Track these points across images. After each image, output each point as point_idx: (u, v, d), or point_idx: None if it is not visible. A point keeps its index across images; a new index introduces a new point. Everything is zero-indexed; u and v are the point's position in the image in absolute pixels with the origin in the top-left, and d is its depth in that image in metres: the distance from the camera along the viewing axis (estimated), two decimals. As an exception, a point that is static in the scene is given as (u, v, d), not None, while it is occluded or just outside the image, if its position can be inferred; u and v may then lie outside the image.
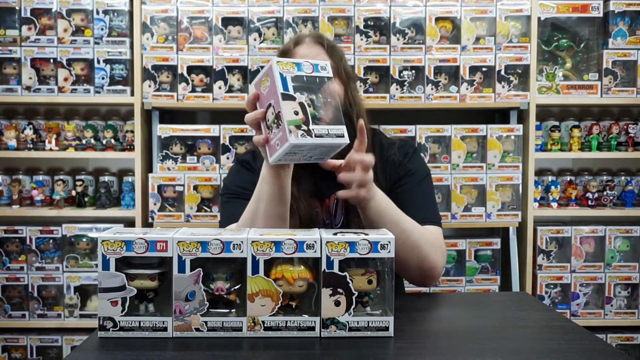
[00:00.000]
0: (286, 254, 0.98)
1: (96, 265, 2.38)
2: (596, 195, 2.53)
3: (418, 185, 1.44)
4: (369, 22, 2.39)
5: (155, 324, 0.98)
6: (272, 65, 1.04)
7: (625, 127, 2.54)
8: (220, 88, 2.38)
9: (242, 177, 1.46)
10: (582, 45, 2.54)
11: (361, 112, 1.44)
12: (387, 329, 1.00)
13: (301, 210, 1.38)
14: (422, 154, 1.69)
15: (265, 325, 0.99)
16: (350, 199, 1.20)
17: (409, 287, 2.01)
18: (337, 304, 0.99)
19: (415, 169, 1.46)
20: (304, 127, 1.02)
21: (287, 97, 1.03)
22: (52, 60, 2.41)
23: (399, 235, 1.17)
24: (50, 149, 2.43)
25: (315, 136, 1.02)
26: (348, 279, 0.98)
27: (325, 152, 1.09)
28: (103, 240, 0.97)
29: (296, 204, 1.36)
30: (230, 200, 1.42)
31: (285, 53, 1.45)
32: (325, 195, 1.44)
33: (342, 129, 1.05)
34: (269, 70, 1.05)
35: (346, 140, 1.05)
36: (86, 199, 2.50)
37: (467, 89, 2.40)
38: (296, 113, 1.02)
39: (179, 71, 2.37)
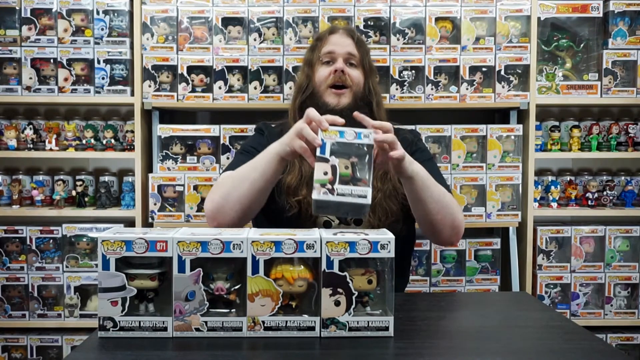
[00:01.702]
0: (286, 254, 0.98)
1: (96, 265, 2.39)
2: (596, 195, 2.53)
3: (429, 161, 1.60)
4: (369, 22, 2.39)
5: (155, 324, 0.98)
6: (319, 130, 1.17)
7: (625, 127, 2.54)
8: (220, 88, 2.38)
9: (256, 139, 1.66)
10: (582, 45, 2.54)
11: (380, 101, 1.63)
12: (387, 328, 1.00)
13: (304, 168, 1.50)
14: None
15: (265, 325, 0.99)
16: (393, 163, 1.26)
17: (409, 287, 2.02)
18: (337, 303, 0.99)
19: (423, 150, 1.66)
20: (329, 186, 1.11)
21: (321, 159, 1.14)
22: (52, 60, 2.41)
23: (440, 197, 1.38)
24: (51, 149, 2.43)
25: (338, 194, 1.11)
26: (348, 279, 0.99)
27: (357, 209, 1.15)
28: (103, 240, 0.97)
29: (300, 162, 1.51)
30: (241, 153, 1.60)
31: (319, 39, 1.65)
32: None
33: (367, 190, 1.12)
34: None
35: (368, 201, 1.11)
36: (86, 199, 2.50)
37: (467, 89, 2.40)
38: (325, 173, 1.12)
39: (179, 71, 2.37)
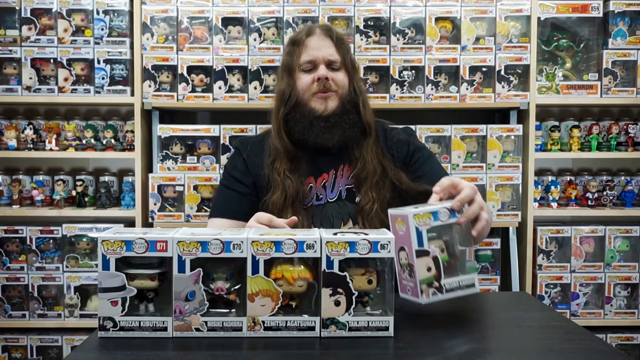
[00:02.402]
0: (286, 253, 0.98)
1: (96, 265, 2.38)
2: (596, 195, 2.53)
3: (431, 159, 1.58)
4: (369, 22, 2.39)
5: (155, 324, 0.98)
6: (409, 217, 1.03)
7: (625, 127, 2.54)
8: (220, 88, 2.38)
9: (232, 163, 1.60)
10: (582, 45, 2.54)
11: (365, 100, 1.57)
12: (387, 328, 1.00)
13: (288, 189, 1.46)
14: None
15: (265, 325, 0.99)
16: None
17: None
18: (337, 303, 0.99)
19: (422, 147, 1.62)
20: (436, 284, 1.04)
21: (421, 253, 1.03)
22: (52, 60, 2.41)
23: (490, 221, 1.27)
24: (51, 149, 2.43)
25: (446, 291, 1.05)
26: (348, 279, 0.99)
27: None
28: (103, 240, 0.97)
29: (282, 181, 1.47)
30: (223, 188, 1.57)
31: (296, 43, 1.55)
32: (323, 171, 1.54)
33: (473, 278, 1.08)
34: (405, 218, 1.04)
35: (476, 289, 1.07)
36: (86, 199, 2.50)
37: (467, 89, 2.40)
38: (429, 269, 1.04)
39: (179, 71, 2.37)
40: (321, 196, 1.51)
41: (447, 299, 1.05)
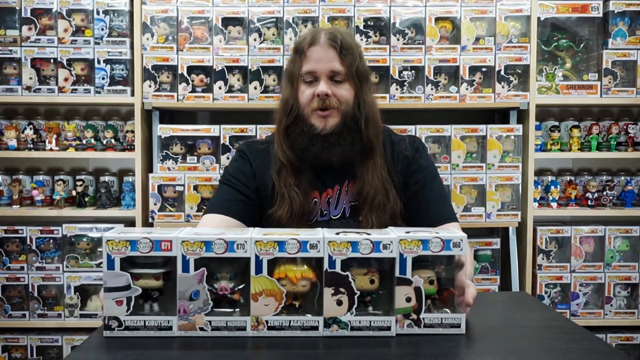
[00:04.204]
0: (289, 253, 0.98)
1: (96, 265, 2.40)
2: (596, 195, 2.53)
3: (432, 182, 1.51)
4: (368, 23, 2.40)
5: (160, 323, 0.99)
6: (394, 242, 0.98)
7: (624, 127, 2.54)
8: (220, 88, 2.38)
9: (236, 165, 1.55)
10: (581, 45, 2.54)
11: (370, 113, 1.47)
12: (389, 328, 1.00)
13: (294, 201, 1.43)
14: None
15: (268, 324, 0.99)
16: None
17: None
18: (339, 303, 0.99)
19: (427, 165, 1.53)
20: (413, 316, 0.99)
21: (402, 281, 0.98)
22: (52, 61, 2.41)
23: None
24: (51, 149, 2.43)
25: (425, 326, 0.99)
26: (350, 279, 0.99)
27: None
28: (108, 240, 0.97)
29: (288, 194, 1.43)
30: (222, 185, 1.53)
31: (299, 51, 1.47)
32: (327, 186, 1.50)
33: (460, 318, 1.01)
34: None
35: (461, 331, 1.00)
36: (86, 199, 2.49)
37: (466, 89, 2.41)
38: (408, 299, 0.99)
39: (179, 71, 2.37)
40: (325, 212, 1.48)
41: (424, 333, 1.00)
